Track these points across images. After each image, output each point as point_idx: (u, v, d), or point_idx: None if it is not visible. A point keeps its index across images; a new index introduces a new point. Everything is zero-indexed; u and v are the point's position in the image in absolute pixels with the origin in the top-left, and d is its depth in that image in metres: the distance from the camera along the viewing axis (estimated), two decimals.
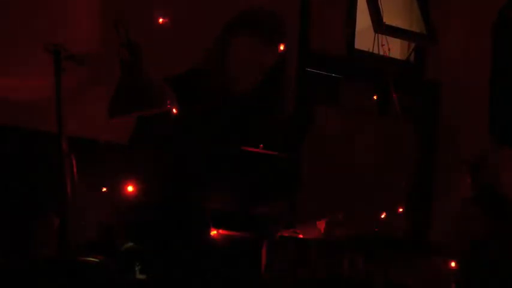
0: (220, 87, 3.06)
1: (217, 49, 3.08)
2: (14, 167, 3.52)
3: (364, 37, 4.75)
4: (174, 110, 2.90)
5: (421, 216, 5.01)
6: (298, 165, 3.18)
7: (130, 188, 2.84)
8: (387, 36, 4.49)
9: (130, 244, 3.01)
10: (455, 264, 3.33)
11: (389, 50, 4.35)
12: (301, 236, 3.06)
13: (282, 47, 3.03)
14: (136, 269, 2.91)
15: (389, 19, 4.60)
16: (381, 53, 4.38)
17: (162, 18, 3.27)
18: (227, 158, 2.99)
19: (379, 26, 4.49)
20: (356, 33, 4.87)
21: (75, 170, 2.82)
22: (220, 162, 2.99)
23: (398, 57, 5.09)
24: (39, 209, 3.31)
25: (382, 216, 3.79)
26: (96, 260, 2.91)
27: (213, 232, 2.87)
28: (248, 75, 3.05)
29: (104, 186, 3.28)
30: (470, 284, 3.70)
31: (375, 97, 4.56)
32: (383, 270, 3.14)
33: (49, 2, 3.76)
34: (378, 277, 3.11)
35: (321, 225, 3.13)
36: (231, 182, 2.98)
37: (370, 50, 4.60)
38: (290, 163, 3.08)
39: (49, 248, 3.01)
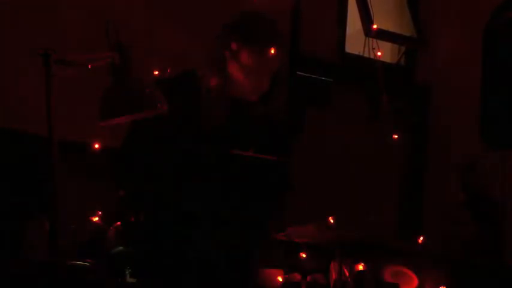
0: (221, 93, 3.05)
1: (219, 58, 3.06)
2: (4, 171, 3.51)
3: (355, 41, 4.76)
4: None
5: (411, 220, 5.02)
6: (289, 169, 3.18)
7: (121, 192, 2.84)
8: (378, 40, 4.50)
9: (120, 248, 3.01)
10: (446, 267, 3.34)
11: (379, 53, 4.36)
12: (291, 239, 3.06)
13: (279, 52, 3.04)
14: (127, 272, 2.91)
15: (380, 23, 4.61)
16: (372, 56, 4.39)
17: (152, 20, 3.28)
18: (218, 161, 2.99)
19: (370, 29, 4.50)
20: (347, 36, 4.88)
21: (65, 173, 2.81)
22: (211, 165, 2.99)
23: (389, 61, 5.10)
24: (29, 212, 3.30)
25: (373, 219, 3.80)
26: (87, 263, 2.90)
27: (205, 235, 2.87)
28: (257, 84, 3.05)
29: (95, 190, 3.28)
30: (460, 287, 3.71)
31: (365, 100, 4.57)
32: (373, 273, 3.14)
33: (39, 5, 3.75)
34: (368, 280, 3.11)
35: (312, 228, 3.13)
36: (222, 185, 2.98)
37: (361, 54, 4.61)
38: (281, 166, 3.08)
39: (39, 251, 3.01)
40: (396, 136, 4.35)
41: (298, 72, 4.62)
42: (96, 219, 3.25)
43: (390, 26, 4.89)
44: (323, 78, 4.75)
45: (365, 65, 4.55)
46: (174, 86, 3.03)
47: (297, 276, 3.05)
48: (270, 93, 3.10)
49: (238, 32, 3.04)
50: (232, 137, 3.04)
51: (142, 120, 2.86)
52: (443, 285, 3.27)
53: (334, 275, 3.07)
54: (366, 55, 4.50)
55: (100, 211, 3.29)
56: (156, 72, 3.22)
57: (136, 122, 2.94)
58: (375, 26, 4.52)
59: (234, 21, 3.09)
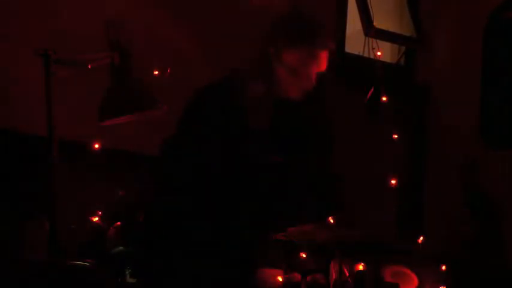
0: (266, 94, 3.06)
1: (264, 59, 3.07)
2: (4, 171, 3.51)
3: (355, 40, 4.76)
4: (165, 114, 2.90)
5: (411, 219, 5.01)
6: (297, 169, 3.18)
7: (121, 192, 2.84)
8: (377, 40, 4.50)
9: (120, 248, 3.01)
10: (446, 267, 3.33)
11: (379, 53, 4.36)
12: (291, 240, 3.05)
13: (326, 52, 3.06)
14: (127, 272, 2.91)
15: (379, 22, 4.60)
16: (371, 56, 4.39)
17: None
18: (218, 163, 2.99)
19: (370, 29, 4.50)
20: (346, 36, 4.88)
21: (65, 173, 2.82)
22: (213, 166, 2.98)
23: (389, 61, 5.09)
24: (29, 212, 3.31)
25: (373, 219, 3.79)
26: (87, 263, 2.90)
27: (204, 236, 2.87)
28: (303, 84, 3.06)
29: (95, 190, 3.28)
30: (460, 287, 3.70)
31: (365, 100, 4.57)
32: (374, 273, 3.13)
33: (39, 4, 3.75)
34: (368, 280, 3.11)
35: (312, 228, 3.13)
36: (222, 186, 2.98)
37: (361, 54, 4.61)
38: (281, 167, 3.08)
39: (40, 251, 3.01)
40: (396, 136, 4.35)
41: None
42: (96, 219, 3.25)
43: (390, 26, 4.88)
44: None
45: (365, 65, 4.55)
46: (219, 91, 3.04)
47: (297, 276, 3.05)
48: (316, 93, 3.12)
49: (284, 32, 3.05)
50: (276, 139, 3.06)
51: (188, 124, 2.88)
52: (443, 285, 3.27)
53: (334, 275, 3.07)
54: (366, 55, 4.49)
55: (100, 211, 3.29)
56: (156, 72, 3.23)
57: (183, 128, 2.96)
58: (374, 26, 4.52)
59: (279, 21, 3.09)
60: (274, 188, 2.98)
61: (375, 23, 4.54)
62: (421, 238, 3.53)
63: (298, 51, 3.01)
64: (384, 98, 4.27)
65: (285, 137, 3.09)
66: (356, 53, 4.76)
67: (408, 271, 3.23)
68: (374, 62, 4.33)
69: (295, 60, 3.02)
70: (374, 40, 4.46)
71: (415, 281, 3.22)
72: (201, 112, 3.04)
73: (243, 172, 2.94)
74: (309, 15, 3.11)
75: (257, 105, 3.05)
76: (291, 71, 3.02)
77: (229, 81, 3.09)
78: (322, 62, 3.06)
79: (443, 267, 3.30)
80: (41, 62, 2.84)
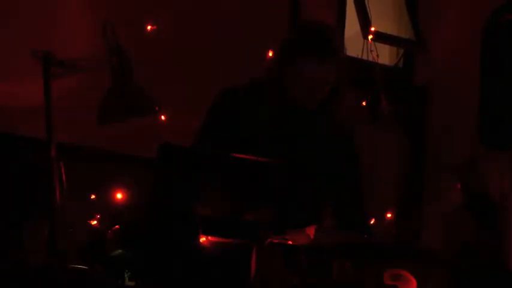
0: (280, 102, 3.10)
1: (279, 68, 3.11)
2: (2, 174, 3.52)
3: (353, 43, 4.76)
4: (163, 117, 2.90)
5: (411, 222, 5.02)
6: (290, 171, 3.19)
7: (119, 195, 2.84)
8: (376, 43, 4.50)
9: (119, 251, 3.01)
10: (446, 267, 3.34)
11: (378, 56, 4.37)
12: (290, 242, 3.05)
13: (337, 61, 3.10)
14: (126, 275, 2.91)
15: (378, 25, 4.61)
16: (370, 58, 4.39)
17: (151, 25, 3.29)
18: (218, 165, 2.99)
19: (368, 32, 4.51)
20: (345, 39, 4.89)
21: (64, 176, 2.82)
22: (210, 168, 2.99)
23: (388, 63, 5.10)
24: (28, 215, 3.31)
25: (372, 222, 3.80)
26: (85, 267, 2.90)
27: (202, 239, 2.87)
28: (317, 93, 3.10)
29: (94, 193, 3.28)
30: (460, 287, 3.71)
31: (364, 103, 4.57)
32: (373, 276, 3.13)
33: (38, 7, 3.76)
34: (368, 283, 3.11)
35: (311, 231, 3.13)
36: (221, 188, 2.98)
37: (359, 56, 4.62)
38: (281, 169, 3.08)
39: (38, 255, 3.01)
40: (395, 137, 4.36)
41: None
42: (95, 222, 3.25)
43: (388, 29, 4.89)
44: None
45: (364, 67, 4.56)
46: (235, 94, 3.09)
47: None
48: (329, 102, 3.15)
49: (297, 43, 3.09)
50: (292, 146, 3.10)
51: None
52: (443, 286, 3.27)
53: (334, 278, 3.07)
54: (365, 58, 4.50)
55: (99, 214, 3.29)
56: None
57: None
58: (373, 29, 4.52)
59: (292, 32, 3.14)
60: (284, 190, 3.01)
61: (373, 26, 4.55)
62: (421, 239, 3.54)
63: (308, 60, 3.05)
64: (383, 100, 4.28)
65: (298, 143, 3.14)
66: (355, 55, 4.77)
67: (407, 273, 3.23)
68: (373, 65, 4.34)
69: (305, 68, 3.06)
70: (372, 42, 4.47)
71: (414, 283, 3.23)
72: (215, 114, 3.11)
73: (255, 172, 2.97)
74: (321, 23, 3.16)
75: (272, 111, 3.10)
76: (302, 79, 3.07)
77: (246, 86, 3.15)
78: (333, 72, 3.10)
79: (443, 268, 3.31)
80: (41, 64, 2.84)
